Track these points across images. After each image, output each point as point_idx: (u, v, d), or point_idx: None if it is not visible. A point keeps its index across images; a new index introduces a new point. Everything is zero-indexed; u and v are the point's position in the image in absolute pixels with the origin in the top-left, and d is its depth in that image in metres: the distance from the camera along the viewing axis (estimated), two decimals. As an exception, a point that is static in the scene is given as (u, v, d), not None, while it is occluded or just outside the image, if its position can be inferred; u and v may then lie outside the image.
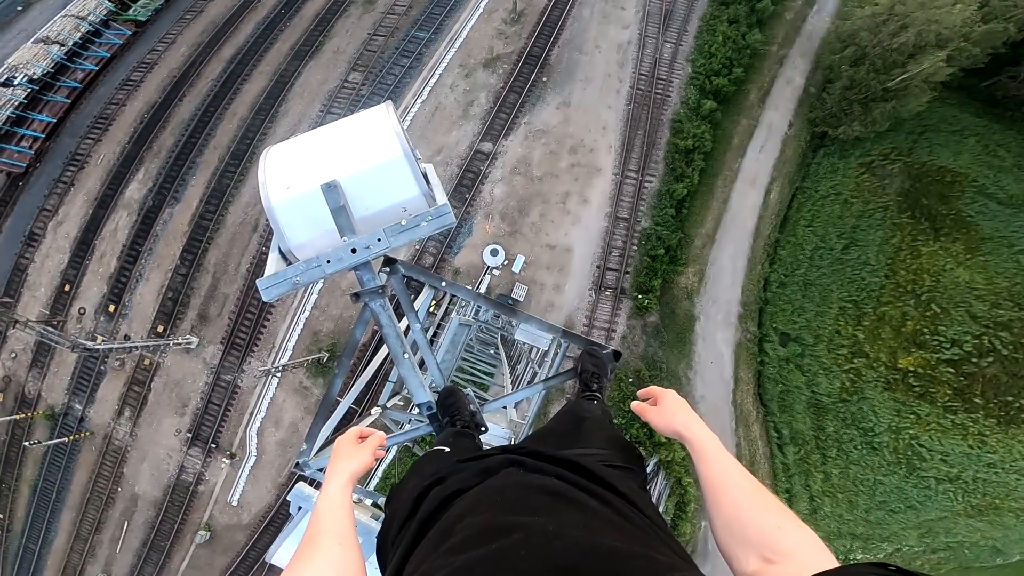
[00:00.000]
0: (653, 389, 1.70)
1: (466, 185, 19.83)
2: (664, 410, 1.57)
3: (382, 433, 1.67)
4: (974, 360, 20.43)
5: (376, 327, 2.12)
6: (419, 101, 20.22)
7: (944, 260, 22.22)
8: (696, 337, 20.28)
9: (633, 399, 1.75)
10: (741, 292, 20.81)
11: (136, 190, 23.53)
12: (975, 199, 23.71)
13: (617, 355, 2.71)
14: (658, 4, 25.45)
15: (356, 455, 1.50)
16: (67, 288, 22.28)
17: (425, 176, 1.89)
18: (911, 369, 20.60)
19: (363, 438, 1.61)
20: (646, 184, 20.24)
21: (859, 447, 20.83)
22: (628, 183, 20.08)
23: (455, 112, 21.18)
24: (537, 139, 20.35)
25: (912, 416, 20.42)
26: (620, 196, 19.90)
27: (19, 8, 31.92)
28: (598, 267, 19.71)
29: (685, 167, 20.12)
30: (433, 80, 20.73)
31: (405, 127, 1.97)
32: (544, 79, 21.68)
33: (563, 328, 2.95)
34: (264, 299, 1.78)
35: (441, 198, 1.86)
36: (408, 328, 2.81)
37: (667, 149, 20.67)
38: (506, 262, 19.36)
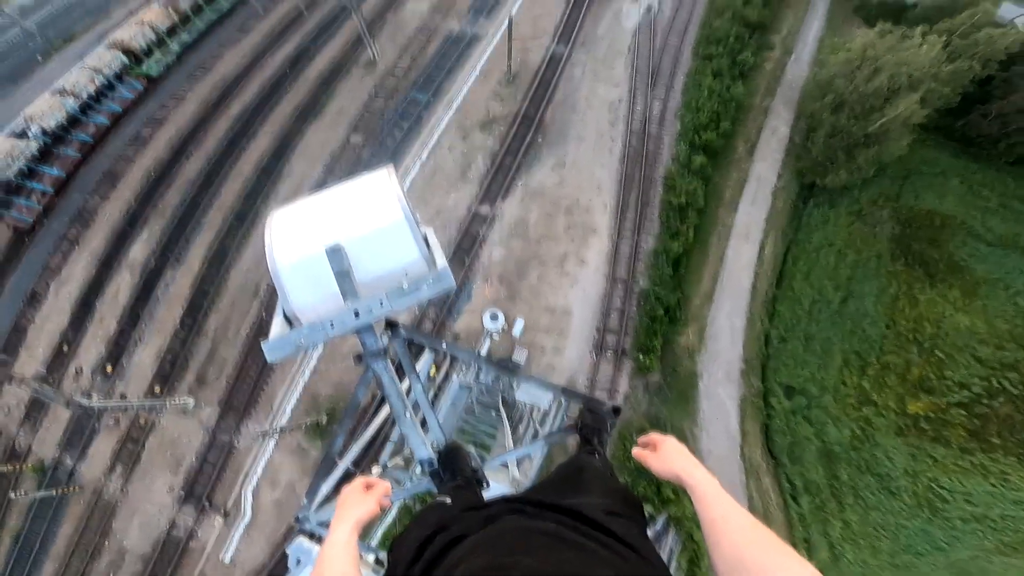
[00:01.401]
0: (652, 436, 1.73)
1: (465, 248, 19.60)
2: (663, 455, 1.60)
3: (388, 483, 1.65)
4: (985, 402, 19.95)
5: (378, 388, 2.13)
6: (418, 163, 20.22)
7: (943, 307, 21.89)
8: (699, 394, 19.78)
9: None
10: (742, 349, 20.36)
11: (139, 251, 23.29)
12: (965, 242, 23.57)
13: (616, 411, 2.74)
14: (645, 61, 26.22)
15: (363, 503, 1.52)
16: (65, 348, 21.77)
17: (426, 240, 1.89)
18: (922, 414, 20.13)
19: (369, 487, 1.61)
20: (642, 243, 20.03)
21: (877, 492, 20.17)
22: (624, 243, 19.84)
23: (453, 174, 21.16)
24: (534, 200, 20.24)
25: (929, 459, 19.86)
26: (617, 256, 19.63)
27: (39, 58, 32.88)
28: (598, 329, 19.27)
29: (680, 224, 19.93)
30: (432, 142, 20.81)
31: (405, 189, 1.93)
32: (539, 140, 21.85)
33: (562, 387, 3.05)
34: (268, 360, 1.77)
35: (441, 262, 1.85)
36: (409, 388, 2.81)
37: (661, 206, 20.52)
38: (506, 326, 18.93)
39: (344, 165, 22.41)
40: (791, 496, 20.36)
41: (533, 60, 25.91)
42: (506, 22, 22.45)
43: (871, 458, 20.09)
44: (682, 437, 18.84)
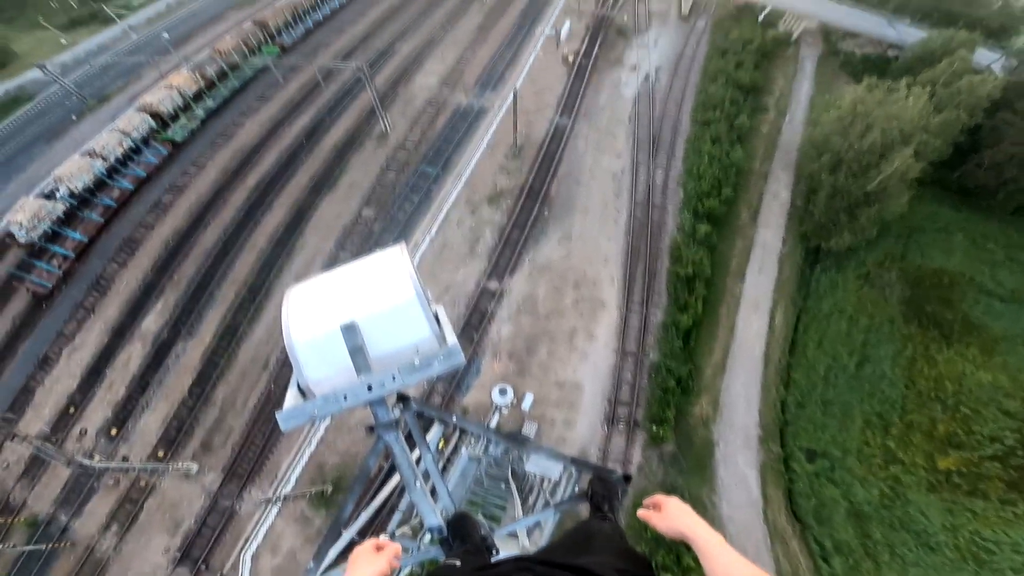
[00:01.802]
0: (657, 497, 1.77)
1: (474, 324, 19.71)
2: (667, 514, 1.66)
3: (398, 544, 1.69)
4: (1020, 453, 19.46)
5: (388, 457, 2.08)
6: (428, 238, 20.66)
7: (962, 365, 21.60)
8: (716, 462, 19.29)
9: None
10: (759, 416, 19.95)
11: (153, 322, 23.55)
12: (977, 299, 23.35)
13: (627, 478, 2.77)
14: (646, 130, 27.22)
15: (374, 562, 1.55)
16: (72, 410, 21.80)
17: (436, 317, 1.94)
18: (954, 469, 19.71)
19: (380, 548, 1.64)
20: (651, 316, 20.02)
21: (915, 549, 19.32)
22: (633, 316, 19.90)
23: (462, 249, 21.57)
24: (541, 275, 20.50)
25: (968, 513, 19.25)
26: (626, 330, 19.64)
27: (74, 117, 34.96)
28: (609, 401, 19.01)
29: (688, 296, 20.01)
30: (441, 216, 21.34)
31: (415, 264, 1.99)
32: (545, 213, 22.40)
33: (572, 457, 3.00)
34: (283, 429, 1.82)
35: (451, 339, 1.89)
36: (419, 458, 2.86)
37: (669, 278, 20.68)
38: (515, 401, 18.69)
39: (356, 239, 22.96)
40: (821, 558, 19.71)
41: (538, 132, 26.94)
42: (511, 96, 23.51)
43: (904, 515, 19.53)
44: (700, 505, 18.28)
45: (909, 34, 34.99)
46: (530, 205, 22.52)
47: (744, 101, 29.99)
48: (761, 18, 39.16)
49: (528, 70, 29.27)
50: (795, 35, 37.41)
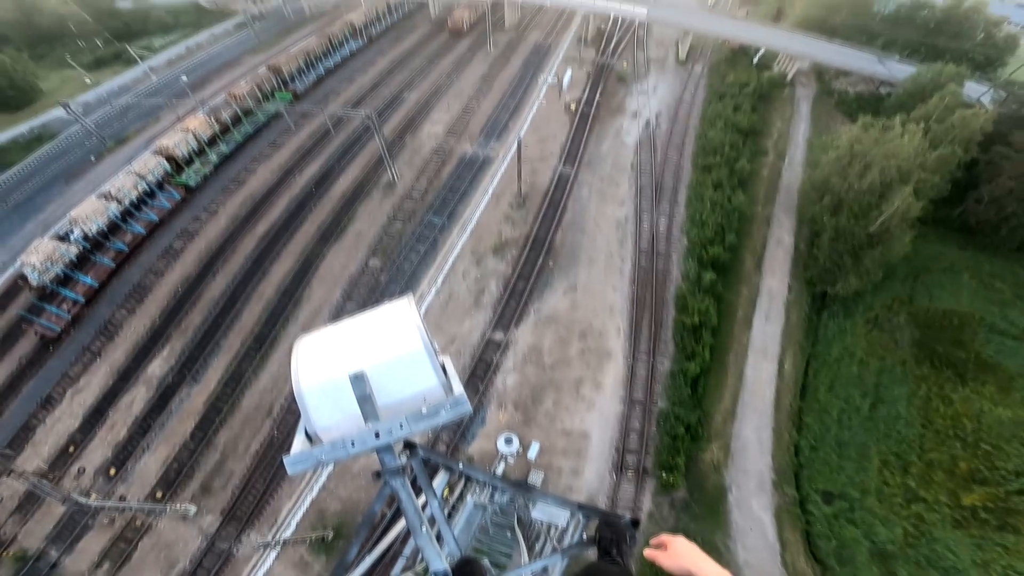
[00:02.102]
0: (663, 536, 1.82)
1: (479, 375, 19.94)
2: (674, 553, 1.73)
3: None
4: None
5: (393, 503, 2.22)
6: (434, 289, 21.18)
7: (979, 403, 21.43)
8: (730, 507, 19.04)
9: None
10: (772, 460, 19.79)
11: (158, 367, 23.88)
12: (989, 339, 23.30)
13: (635, 523, 2.77)
14: (648, 178, 28.06)
15: None
16: (71, 449, 21.76)
17: (443, 367, 2.00)
18: (979, 505, 19.37)
19: None
20: (658, 365, 20.17)
21: None
22: (640, 365, 20.06)
23: (467, 301, 22.00)
24: (547, 326, 20.84)
25: (998, 548, 18.84)
26: (634, 379, 19.78)
27: (93, 159, 36.75)
28: (617, 450, 18.93)
29: (695, 344, 20.19)
30: (447, 267, 21.91)
31: (422, 314, 2.10)
32: (550, 263, 22.97)
33: (579, 503, 3.06)
34: (289, 474, 1.88)
35: (458, 388, 1.95)
36: (425, 504, 2.88)
37: (675, 327, 20.92)
38: (520, 450, 18.67)
39: (362, 290, 23.50)
40: (845, 600, 18.88)
41: (542, 181, 27.86)
42: (515, 145, 24.52)
43: (931, 553, 19.18)
44: (715, 551, 18.02)
45: (899, 70, 36.18)
46: (534, 256, 23.11)
47: (743, 145, 30.87)
48: (756, 60, 40.89)
49: (531, 119, 30.49)
50: (790, 76, 38.93)
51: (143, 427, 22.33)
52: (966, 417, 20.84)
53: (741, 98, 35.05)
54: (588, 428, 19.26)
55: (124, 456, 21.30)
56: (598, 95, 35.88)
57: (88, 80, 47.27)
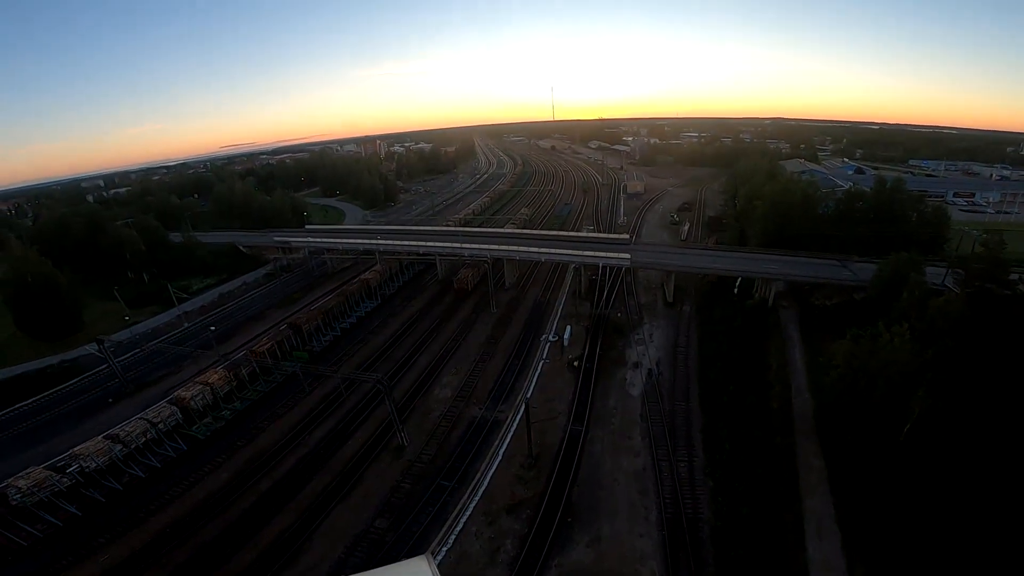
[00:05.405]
0: None
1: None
2: None
3: None
4: None
5: None
6: (444, 548, 21.98)
7: None
8: None
9: None
10: None
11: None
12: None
13: None
14: (660, 426, 31.36)
15: None
16: None
17: None
18: None
19: None
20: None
21: None
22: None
23: (481, 559, 22.64)
24: (572, 580, 20.89)
25: None
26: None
27: (110, 400, 41.18)
28: None
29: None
30: (458, 528, 23.09)
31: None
32: (569, 519, 24.20)
33: None
34: None
35: None
36: None
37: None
38: None
39: (365, 548, 24.63)
40: None
41: (552, 441, 31.04)
42: (523, 407, 29.18)
43: None
44: None
45: (862, 269, 43.40)
46: (551, 514, 24.53)
47: (745, 382, 34.85)
48: (736, 289, 49.32)
49: (536, 379, 34.91)
50: (771, 301, 46.32)
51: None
52: None
53: (732, 334, 41.64)
54: None
55: None
56: (599, 349, 42.32)
57: (127, 318, 56.60)
